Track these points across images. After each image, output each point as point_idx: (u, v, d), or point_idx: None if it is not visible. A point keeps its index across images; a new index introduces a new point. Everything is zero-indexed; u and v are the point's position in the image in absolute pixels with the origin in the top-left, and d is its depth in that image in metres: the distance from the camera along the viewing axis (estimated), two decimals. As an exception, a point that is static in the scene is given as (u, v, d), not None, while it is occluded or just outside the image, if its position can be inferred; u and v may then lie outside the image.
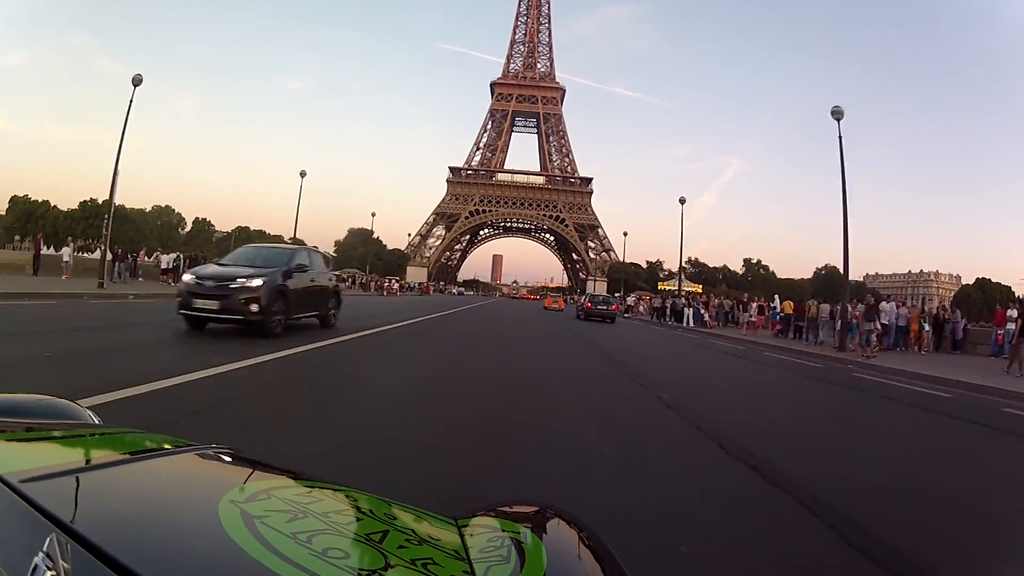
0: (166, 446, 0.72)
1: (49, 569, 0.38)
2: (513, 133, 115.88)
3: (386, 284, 44.22)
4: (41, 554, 0.38)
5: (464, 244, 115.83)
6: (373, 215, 47.56)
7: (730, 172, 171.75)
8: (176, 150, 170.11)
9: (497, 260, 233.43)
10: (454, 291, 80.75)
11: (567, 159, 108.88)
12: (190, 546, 0.49)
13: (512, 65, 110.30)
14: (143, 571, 0.39)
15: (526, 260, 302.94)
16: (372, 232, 58.68)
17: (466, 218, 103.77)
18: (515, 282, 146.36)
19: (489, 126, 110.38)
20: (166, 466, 0.67)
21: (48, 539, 0.39)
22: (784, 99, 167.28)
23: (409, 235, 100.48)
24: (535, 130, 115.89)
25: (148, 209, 70.70)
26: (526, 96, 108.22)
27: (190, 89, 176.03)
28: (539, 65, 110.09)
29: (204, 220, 77.72)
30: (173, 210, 74.67)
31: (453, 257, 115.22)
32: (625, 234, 63.93)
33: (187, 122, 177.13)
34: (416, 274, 76.85)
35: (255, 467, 0.67)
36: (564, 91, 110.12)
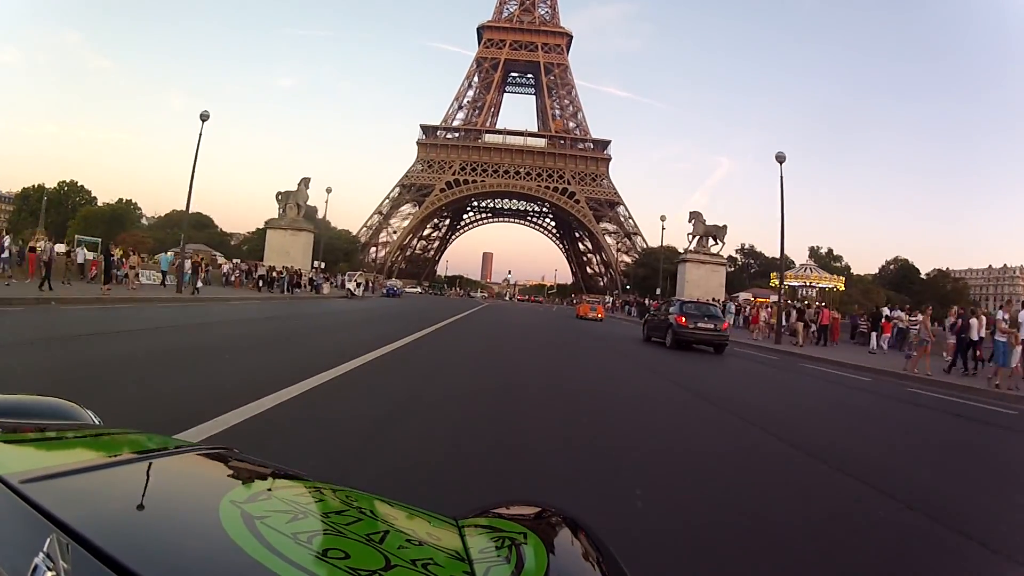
0: (166, 446, 0.86)
1: (49, 569, 0.45)
2: (505, 94, 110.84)
3: None
4: (41, 554, 0.46)
5: (443, 231, 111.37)
6: (328, 191, 39.12)
7: (722, 171, 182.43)
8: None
9: (487, 258, 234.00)
10: (384, 288, 51.75)
11: (575, 119, 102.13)
12: (190, 546, 0.59)
13: (506, 9, 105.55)
14: (143, 571, 0.47)
15: (518, 254, 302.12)
16: (316, 210, 47.11)
17: (441, 191, 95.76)
18: (507, 279, 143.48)
19: (475, 79, 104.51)
20: (166, 466, 0.79)
21: (48, 539, 0.47)
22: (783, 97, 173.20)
23: (394, 219, 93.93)
24: (533, 90, 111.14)
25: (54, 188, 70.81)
26: (522, 43, 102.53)
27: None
28: (539, 9, 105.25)
29: (128, 202, 76.80)
30: (81, 188, 74.12)
31: (430, 247, 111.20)
32: (663, 218, 54.38)
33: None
34: (288, 244, 40.86)
35: (255, 467, 0.81)
36: (571, 37, 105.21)
